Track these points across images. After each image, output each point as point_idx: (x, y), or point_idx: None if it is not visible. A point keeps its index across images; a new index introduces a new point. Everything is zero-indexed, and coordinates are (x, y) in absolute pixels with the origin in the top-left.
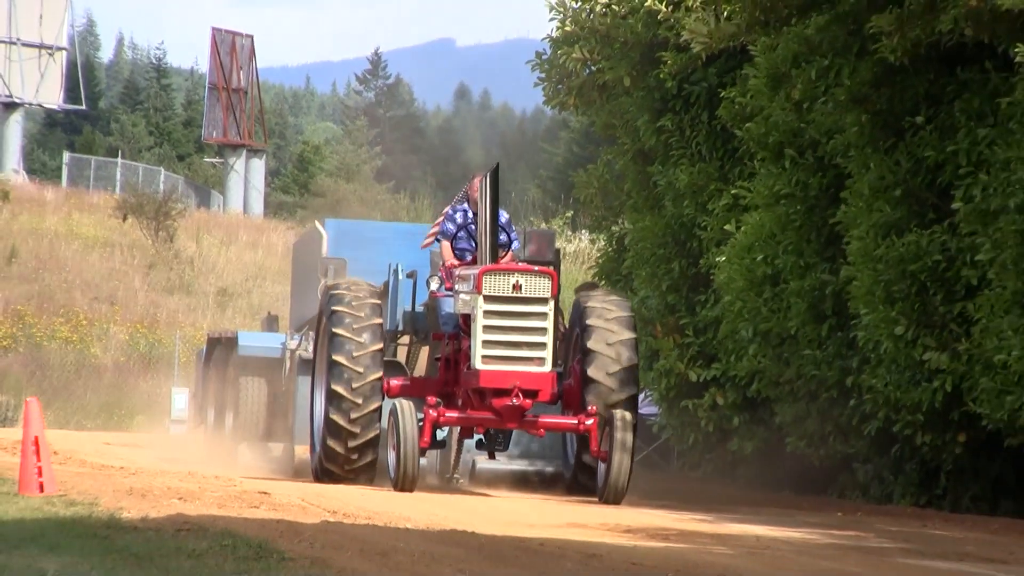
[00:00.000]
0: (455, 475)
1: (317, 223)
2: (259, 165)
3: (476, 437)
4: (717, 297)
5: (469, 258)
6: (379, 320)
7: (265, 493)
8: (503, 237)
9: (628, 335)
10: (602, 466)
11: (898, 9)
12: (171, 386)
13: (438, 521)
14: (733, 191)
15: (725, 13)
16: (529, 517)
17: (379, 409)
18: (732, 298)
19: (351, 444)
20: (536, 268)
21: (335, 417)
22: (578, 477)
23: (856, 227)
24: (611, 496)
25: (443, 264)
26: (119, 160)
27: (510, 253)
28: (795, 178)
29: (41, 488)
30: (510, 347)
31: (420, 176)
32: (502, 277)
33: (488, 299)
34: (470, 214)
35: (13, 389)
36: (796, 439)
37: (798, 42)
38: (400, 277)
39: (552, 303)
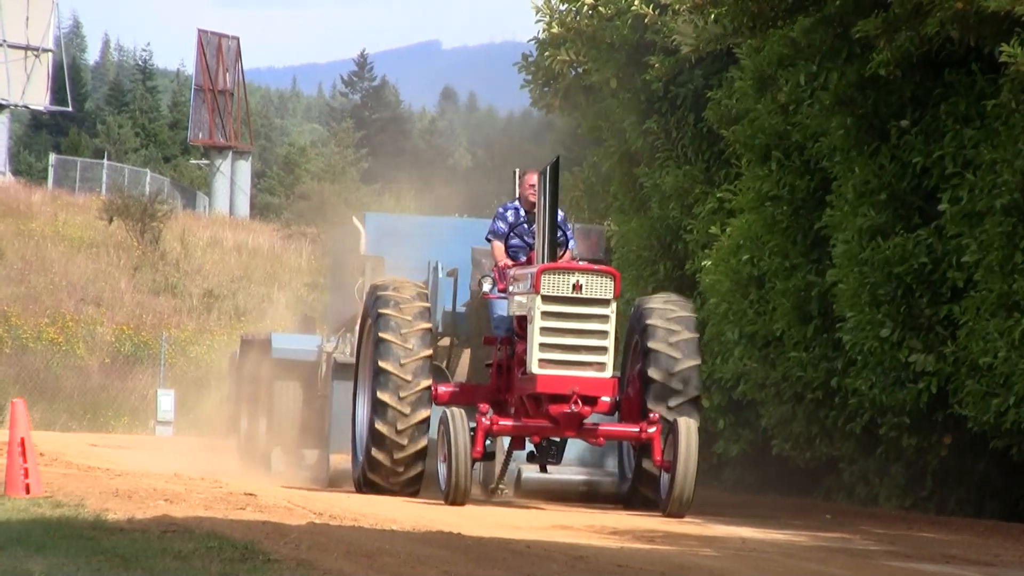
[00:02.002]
0: (500, 486)
1: (355, 218)
2: (245, 167)
3: (528, 449)
4: (703, 299)
5: (523, 258)
6: (428, 325)
7: (251, 495)
8: (560, 235)
9: (690, 335)
10: (665, 476)
11: (884, 13)
12: (157, 388)
13: (424, 523)
14: (719, 194)
15: (712, 16)
16: (515, 519)
17: (427, 419)
18: (718, 300)
19: (397, 456)
20: (597, 267)
21: (381, 427)
22: (637, 488)
23: (842, 230)
24: (676, 508)
25: (496, 264)
26: (105, 162)
27: (568, 252)
28: (781, 181)
29: (27, 489)
30: (569, 351)
31: (406, 178)
32: (562, 276)
33: (546, 299)
34: (522, 212)
35: None
36: (782, 441)
37: (784, 45)
38: (440, 275)
39: (614, 305)
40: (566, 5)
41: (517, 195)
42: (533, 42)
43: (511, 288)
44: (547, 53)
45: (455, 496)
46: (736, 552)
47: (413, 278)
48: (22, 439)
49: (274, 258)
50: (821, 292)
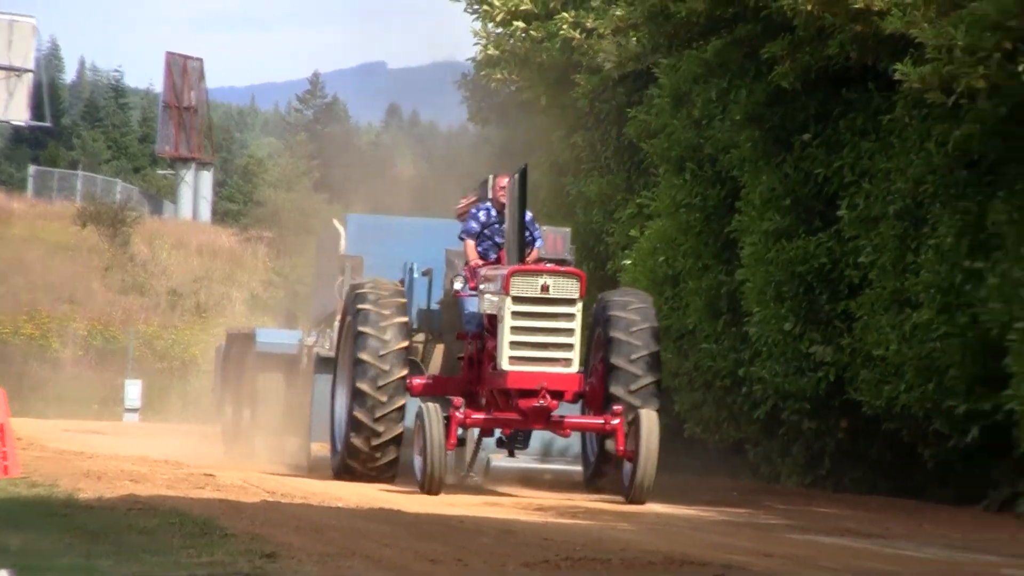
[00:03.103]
0: (470, 472)
1: (335, 220)
2: (207, 177)
3: (497, 435)
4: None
5: (493, 257)
6: (404, 319)
7: (210, 475)
8: (528, 236)
9: (650, 324)
10: (628, 466)
11: (790, 35)
12: (124, 378)
13: (368, 501)
14: (638, 200)
15: (633, 37)
16: (450, 497)
17: (403, 407)
18: None
19: (374, 442)
20: (564, 269)
21: (359, 415)
22: (602, 471)
23: (749, 233)
24: (637, 495)
25: (467, 263)
26: (80, 172)
27: (535, 251)
28: (694, 189)
29: (5, 471)
30: (537, 348)
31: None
32: (530, 278)
33: (516, 300)
34: (493, 213)
35: None
36: (693, 425)
37: (698, 65)
38: (415, 275)
39: (580, 304)
40: (501, 29)
41: (490, 197)
42: (471, 62)
43: (482, 287)
44: (483, 73)
45: (430, 486)
46: (651, 526)
47: (391, 277)
48: (1, 425)
49: (233, 260)
50: (730, 290)
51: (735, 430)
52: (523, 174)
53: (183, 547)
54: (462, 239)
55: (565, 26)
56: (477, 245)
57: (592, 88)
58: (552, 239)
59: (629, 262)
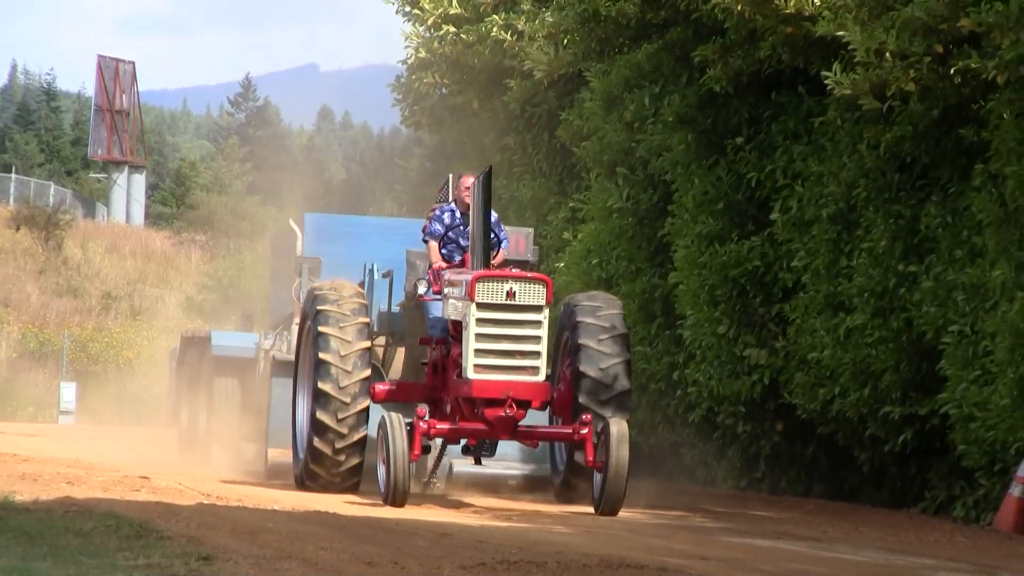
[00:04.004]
0: (433, 479)
1: (291, 221)
2: (140, 180)
3: (462, 443)
4: (557, 299)
5: (457, 259)
6: (366, 319)
7: (145, 478)
8: (493, 237)
9: (620, 331)
10: (598, 476)
11: (721, 39)
12: (59, 380)
13: (303, 503)
14: (571, 204)
15: (564, 42)
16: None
17: (367, 409)
18: None
19: (338, 444)
20: (531, 275)
21: (322, 416)
22: (569, 481)
23: (682, 236)
24: (608, 507)
25: (430, 266)
26: (13, 175)
27: (502, 252)
28: (627, 193)
29: None
30: (503, 356)
31: (286, 190)
32: (496, 284)
33: (481, 307)
34: (458, 214)
35: None
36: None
37: (630, 69)
38: (376, 277)
39: (546, 311)
40: (432, 32)
41: (452, 198)
42: (403, 65)
43: (446, 291)
44: (415, 76)
45: (394, 498)
46: (587, 529)
47: (350, 278)
48: None
49: (167, 263)
50: (664, 293)
51: (670, 433)
52: (488, 175)
53: (119, 549)
54: (425, 241)
55: (496, 28)
56: (441, 247)
57: (523, 92)
58: (514, 240)
59: (562, 265)
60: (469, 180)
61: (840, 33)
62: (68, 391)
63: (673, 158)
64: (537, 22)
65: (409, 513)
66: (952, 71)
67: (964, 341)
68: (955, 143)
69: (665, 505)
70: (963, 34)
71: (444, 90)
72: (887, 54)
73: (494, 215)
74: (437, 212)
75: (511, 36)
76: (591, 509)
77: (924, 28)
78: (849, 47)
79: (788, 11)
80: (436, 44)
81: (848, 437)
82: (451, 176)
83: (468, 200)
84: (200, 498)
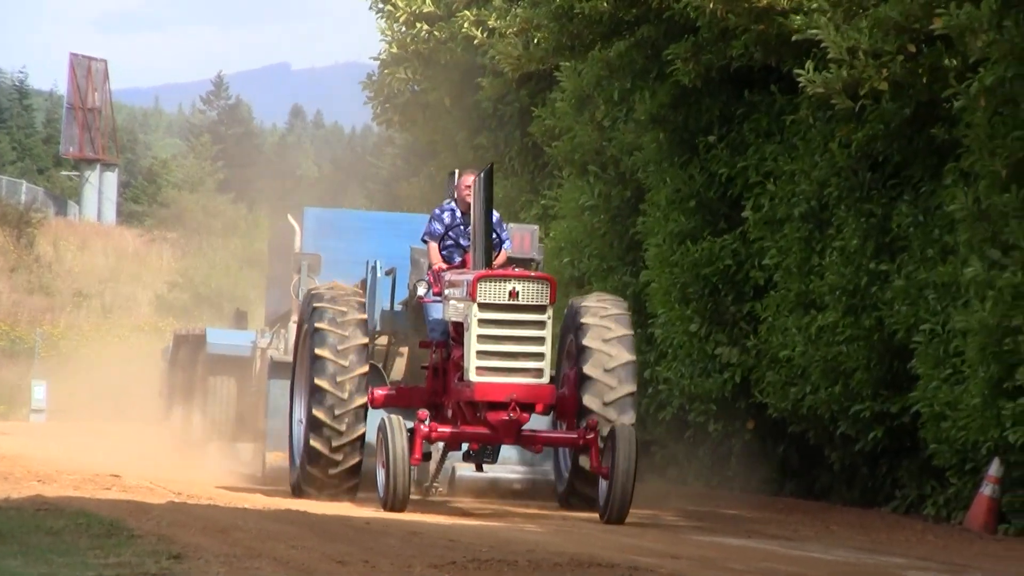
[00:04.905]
0: (435, 484)
1: (290, 216)
2: (112, 178)
3: (463, 448)
4: None
5: (458, 259)
6: (363, 315)
7: (117, 476)
8: (495, 237)
9: (625, 332)
10: (604, 483)
11: (693, 37)
12: (31, 379)
13: (274, 502)
14: (543, 202)
15: (535, 39)
16: (356, 500)
17: (365, 407)
18: None
19: (335, 443)
20: (533, 275)
21: (318, 413)
22: (574, 487)
23: (654, 235)
24: (614, 514)
25: (430, 267)
26: None
27: (503, 253)
28: (598, 191)
29: None
30: (506, 357)
31: (258, 188)
32: (498, 284)
33: (483, 307)
34: (458, 213)
35: None
36: None
37: (601, 67)
38: (379, 275)
39: (550, 311)
40: (405, 28)
41: (454, 196)
42: (376, 61)
43: (447, 292)
44: (388, 71)
45: (394, 503)
46: (558, 528)
47: (351, 275)
48: None
49: (138, 260)
50: (636, 291)
51: (642, 431)
52: (489, 173)
53: (90, 548)
54: (425, 242)
55: (467, 24)
56: (441, 247)
57: (496, 90)
58: (519, 237)
59: None
60: (470, 178)
61: (814, 31)
62: (39, 390)
63: (645, 156)
64: (508, 18)
65: (373, 512)
66: (922, 70)
67: (935, 340)
68: (927, 142)
69: (636, 504)
70: (936, 33)
71: (416, 87)
72: (860, 52)
73: (496, 214)
74: (437, 211)
75: (482, 33)
76: (596, 516)
77: (897, 27)
78: (822, 45)
79: (761, 5)
80: (409, 40)
81: (819, 435)
82: (455, 172)
83: (469, 199)
84: (171, 496)
